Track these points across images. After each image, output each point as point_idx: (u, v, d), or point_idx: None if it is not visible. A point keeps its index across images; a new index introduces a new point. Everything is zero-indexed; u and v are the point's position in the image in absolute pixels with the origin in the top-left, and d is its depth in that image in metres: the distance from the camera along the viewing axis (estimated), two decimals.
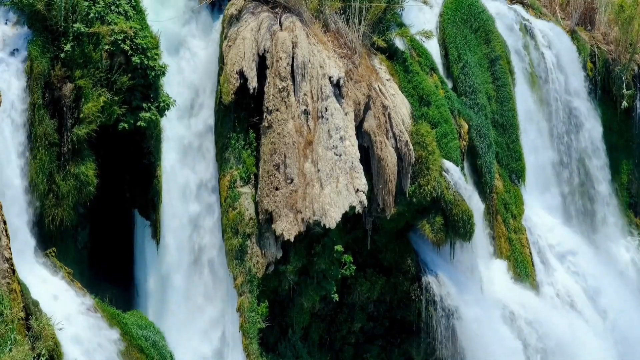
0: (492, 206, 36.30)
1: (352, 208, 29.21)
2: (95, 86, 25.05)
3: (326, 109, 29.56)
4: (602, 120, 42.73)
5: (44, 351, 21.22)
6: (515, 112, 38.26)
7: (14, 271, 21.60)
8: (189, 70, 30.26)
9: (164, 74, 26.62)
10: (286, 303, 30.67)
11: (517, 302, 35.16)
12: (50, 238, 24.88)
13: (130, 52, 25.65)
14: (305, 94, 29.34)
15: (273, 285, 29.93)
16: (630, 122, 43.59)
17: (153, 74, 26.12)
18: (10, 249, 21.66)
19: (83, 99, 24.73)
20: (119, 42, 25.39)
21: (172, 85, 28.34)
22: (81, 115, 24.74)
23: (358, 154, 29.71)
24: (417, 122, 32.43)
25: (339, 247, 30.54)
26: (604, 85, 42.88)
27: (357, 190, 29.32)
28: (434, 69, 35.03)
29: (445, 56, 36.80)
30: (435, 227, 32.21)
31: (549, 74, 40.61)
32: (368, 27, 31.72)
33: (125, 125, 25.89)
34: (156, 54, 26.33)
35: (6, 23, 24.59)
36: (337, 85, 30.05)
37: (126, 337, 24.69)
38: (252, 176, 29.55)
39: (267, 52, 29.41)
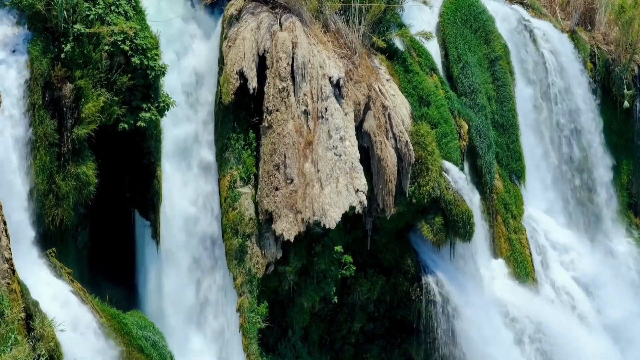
0: (492, 206, 36.31)
1: (352, 208, 29.23)
2: (95, 86, 25.06)
3: (326, 109, 29.57)
4: (602, 120, 42.74)
5: (43, 351, 21.24)
6: (515, 112, 38.29)
7: (13, 271, 21.61)
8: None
9: (163, 74, 26.62)
10: (286, 303, 30.68)
11: (516, 302, 35.17)
12: (50, 238, 24.88)
13: (130, 52, 25.66)
14: (305, 94, 29.35)
15: (273, 286, 29.94)
16: (630, 122, 43.60)
17: (153, 74, 26.13)
18: (10, 249, 21.66)
19: (83, 99, 24.74)
20: (119, 42, 25.40)
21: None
22: (81, 116, 24.75)
23: (358, 154, 29.73)
24: (417, 123, 32.45)
25: (339, 248, 30.56)
26: (604, 85, 42.89)
27: (357, 191, 29.34)
28: (434, 69, 35.04)
29: (445, 56, 36.81)
30: (435, 227, 32.23)
31: (549, 74, 40.62)
32: (368, 28, 31.73)
33: (125, 126, 25.90)
34: (156, 54, 26.33)
35: (6, 23, 24.58)
36: (337, 86, 30.06)
37: (126, 337, 24.73)
38: (252, 176, 29.56)
39: (267, 52, 29.42)
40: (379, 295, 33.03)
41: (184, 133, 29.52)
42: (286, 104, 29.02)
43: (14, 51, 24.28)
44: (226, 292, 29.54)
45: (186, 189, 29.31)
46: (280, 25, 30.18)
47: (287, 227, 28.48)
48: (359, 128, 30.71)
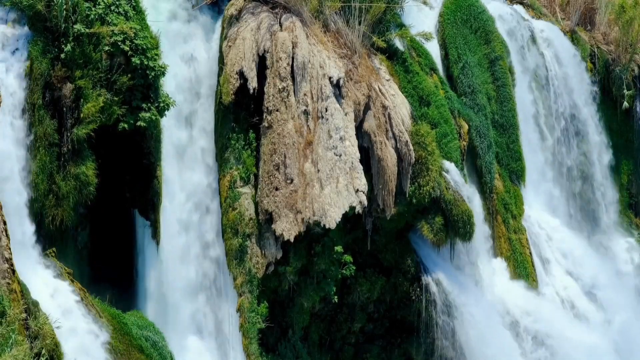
0: (492, 206, 36.31)
1: (352, 208, 29.23)
2: (95, 86, 25.07)
3: (326, 109, 29.57)
4: (602, 120, 42.75)
5: (43, 351, 21.24)
6: (515, 112, 38.27)
7: (13, 271, 21.62)
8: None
9: (163, 74, 26.63)
10: (286, 303, 30.69)
11: (516, 302, 35.18)
12: (50, 238, 24.89)
13: (130, 52, 25.67)
14: (305, 94, 29.36)
15: (273, 286, 29.94)
16: (630, 122, 43.61)
17: (153, 74, 26.14)
18: (10, 249, 21.67)
19: (83, 99, 24.74)
20: (119, 42, 25.42)
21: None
22: (81, 116, 24.76)
23: (358, 154, 29.72)
24: (417, 123, 32.45)
25: (339, 248, 30.56)
26: (603, 85, 42.89)
27: (357, 191, 29.34)
28: (434, 69, 35.03)
29: (445, 56, 36.81)
30: (435, 228, 32.22)
31: (549, 74, 40.61)
32: (368, 28, 31.73)
33: (125, 126, 25.92)
34: (156, 54, 26.34)
35: (6, 23, 24.60)
36: (337, 86, 30.06)
37: (126, 337, 24.74)
38: (252, 176, 29.57)
39: (267, 52, 29.42)
40: (379, 295, 33.02)
41: None
42: (286, 104, 29.03)
43: (14, 51, 24.31)
44: (226, 292, 29.56)
45: None
46: (280, 25, 30.18)
47: (287, 227, 28.49)
48: (359, 128, 30.71)
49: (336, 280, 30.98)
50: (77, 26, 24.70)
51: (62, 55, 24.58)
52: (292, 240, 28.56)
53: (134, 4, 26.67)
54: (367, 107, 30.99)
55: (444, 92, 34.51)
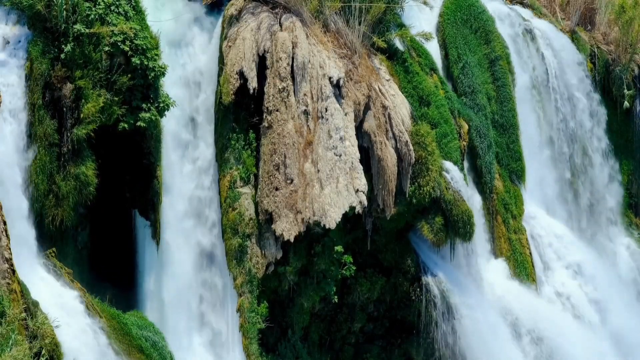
0: (492, 206, 36.31)
1: (352, 208, 29.24)
2: (95, 86, 25.09)
3: (326, 109, 29.58)
4: (602, 121, 42.76)
5: (43, 351, 21.25)
6: (515, 112, 38.27)
7: (14, 271, 21.63)
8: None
9: (163, 74, 26.65)
10: (286, 303, 30.70)
11: (516, 302, 35.16)
12: (50, 238, 24.90)
13: (130, 52, 25.69)
14: (305, 94, 29.36)
15: (273, 286, 29.95)
16: (630, 122, 43.61)
17: (153, 74, 26.16)
18: (10, 249, 21.69)
19: (83, 100, 24.77)
20: (119, 43, 25.43)
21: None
22: (81, 116, 24.79)
23: (358, 154, 29.73)
24: (417, 123, 32.45)
25: (339, 248, 30.56)
26: (604, 85, 42.87)
27: (357, 191, 29.35)
28: (434, 69, 35.03)
29: (445, 56, 36.81)
30: (435, 228, 32.22)
31: (549, 74, 40.62)
32: (368, 28, 31.74)
33: (125, 126, 25.94)
34: (156, 55, 26.37)
35: (6, 23, 24.62)
36: (337, 86, 30.07)
37: (126, 337, 24.75)
38: (252, 176, 29.58)
39: (267, 52, 29.43)
40: (379, 295, 33.02)
41: None
42: (286, 104, 29.03)
43: (14, 52, 24.31)
44: (226, 292, 29.57)
45: None
46: (280, 26, 30.19)
47: (287, 227, 28.49)
48: (359, 128, 30.71)
49: (336, 280, 30.99)
50: (77, 26, 24.72)
51: (62, 56, 24.60)
52: (292, 240, 28.57)
53: (133, 4, 26.69)
54: (367, 107, 30.99)
55: (444, 92, 34.50)
